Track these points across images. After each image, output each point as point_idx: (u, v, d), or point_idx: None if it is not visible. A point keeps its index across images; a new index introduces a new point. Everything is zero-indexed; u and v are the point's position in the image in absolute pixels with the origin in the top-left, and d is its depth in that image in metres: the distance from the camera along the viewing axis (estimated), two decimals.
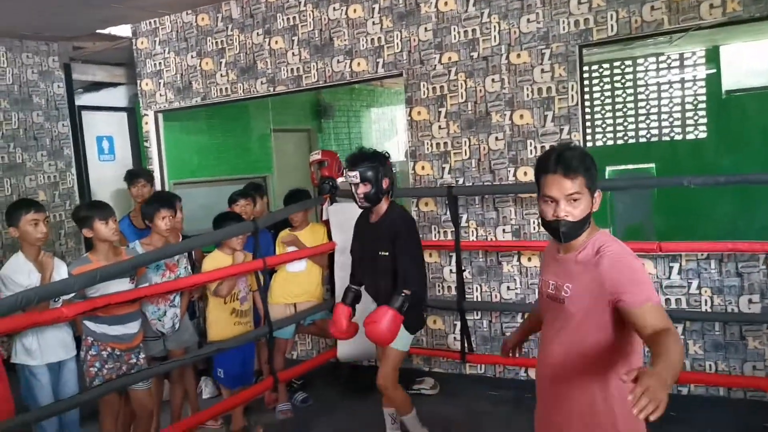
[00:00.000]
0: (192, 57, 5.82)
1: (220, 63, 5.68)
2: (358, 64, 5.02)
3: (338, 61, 5.10)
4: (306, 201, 4.82)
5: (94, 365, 3.52)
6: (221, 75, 5.68)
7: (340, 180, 4.97)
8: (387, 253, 3.47)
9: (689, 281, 4.04)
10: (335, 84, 5.28)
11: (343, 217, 4.72)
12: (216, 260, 4.11)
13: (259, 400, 4.68)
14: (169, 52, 5.94)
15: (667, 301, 4.10)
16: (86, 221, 3.46)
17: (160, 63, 6.00)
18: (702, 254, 3.98)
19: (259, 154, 7.44)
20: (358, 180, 3.46)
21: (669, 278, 4.09)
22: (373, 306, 3.58)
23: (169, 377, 4.23)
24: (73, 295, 3.39)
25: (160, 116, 6.19)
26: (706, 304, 4.01)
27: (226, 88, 5.67)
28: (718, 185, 3.84)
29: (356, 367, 5.07)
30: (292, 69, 5.32)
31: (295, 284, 4.74)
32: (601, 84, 8.12)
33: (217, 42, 5.67)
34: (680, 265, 4.06)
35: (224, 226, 4.18)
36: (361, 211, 3.74)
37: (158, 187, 6.04)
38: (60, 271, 3.60)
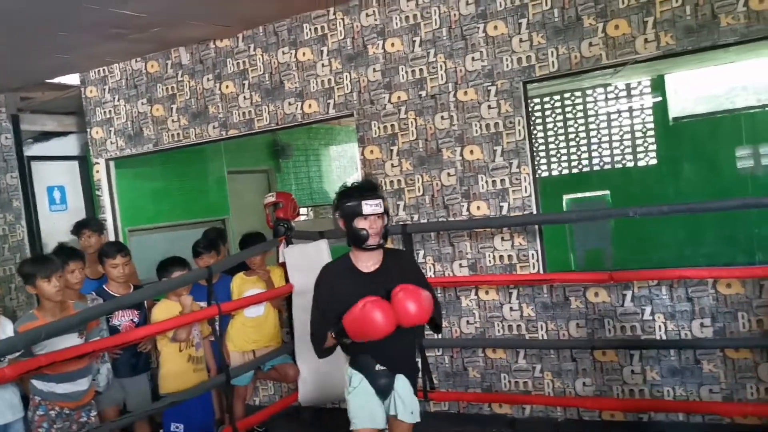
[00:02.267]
0: (142, 104, 5.78)
1: (171, 109, 5.65)
2: (309, 105, 5.05)
3: (289, 104, 5.12)
4: (263, 243, 4.79)
5: (42, 426, 3.41)
6: (173, 121, 5.65)
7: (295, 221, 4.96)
8: None
9: (642, 308, 4.09)
10: (287, 126, 5.30)
11: (300, 258, 4.70)
12: (167, 308, 4.04)
13: None
14: (119, 100, 5.89)
15: (623, 328, 4.14)
16: (29, 278, 3.38)
17: (110, 111, 5.95)
18: (653, 281, 4.04)
19: (216, 196, 7.38)
20: (381, 209, 2.92)
21: (623, 306, 4.14)
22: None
23: None
24: (20, 353, 3.28)
25: (112, 164, 6.11)
26: (660, 330, 4.06)
27: (178, 134, 5.64)
28: (662, 215, 3.93)
29: (319, 410, 4.99)
30: (243, 112, 5.32)
31: (254, 329, 4.68)
32: (554, 115, 8.30)
33: (167, 88, 5.66)
34: (632, 292, 4.11)
35: (169, 272, 4.13)
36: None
37: (111, 235, 5.94)
38: (6, 329, 3.50)
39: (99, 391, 3.89)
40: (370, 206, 2.88)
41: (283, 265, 4.80)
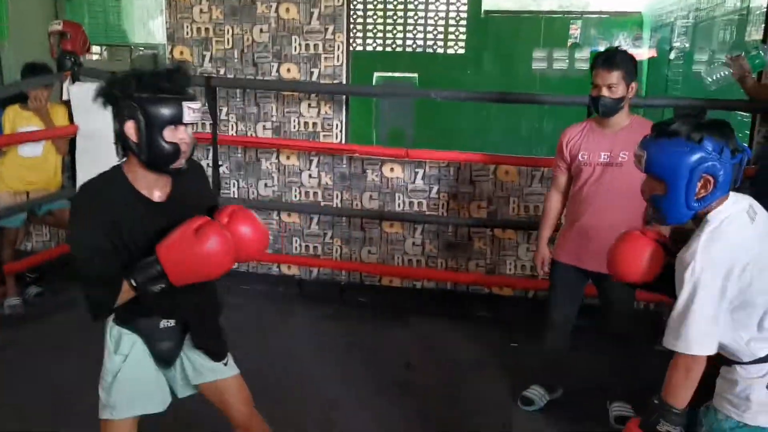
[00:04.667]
0: None
1: None
2: None
3: None
4: (44, 76, 4.28)
5: None
6: None
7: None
8: None
9: (431, 186, 4.38)
10: None
11: (88, 98, 4.28)
12: None
13: None
14: None
15: (411, 204, 4.41)
16: None
17: None
18: (444, 162, 4.31)
19: None
20: (200, 118, 2.14)
21: (414, 182, 4.38)
22: None
23: None
24: None
25: None
26: (443, 208, 4.39)
27: None
28: (459, 100, 4.14)
29: None
30: None
31: (29, 170, 4.27)
32: None
33: None
34: (424, 171, 4.36)
35: None
36: None
37: None
38: None
39: None
40: (192, 111, 1.90)
41: (67, 104, 4.37)
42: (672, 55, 6.57)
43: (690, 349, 1.79)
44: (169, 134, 1.87)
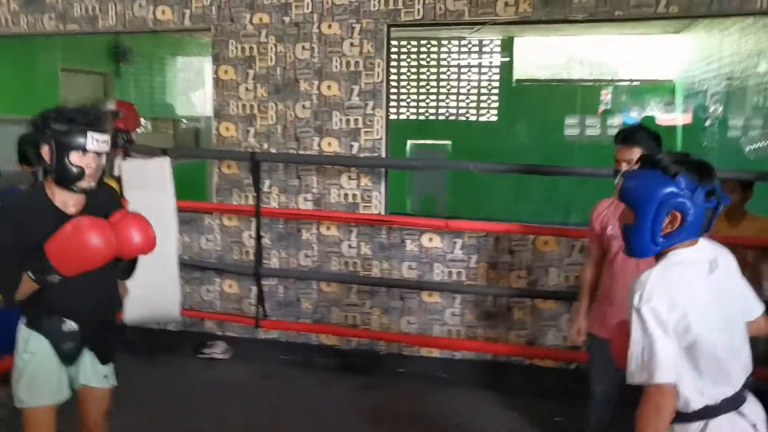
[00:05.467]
0: None
1: None
2: (163, 12, 4.71)
3: (140, 6, 4.74)
4: None
5: None
6: (0, 3, 5.02)
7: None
8: None
9: (470, 256, 4.41)
10: (136, 31, 4.93)
11: (138, 174, 4.46)
12: None
13: None
14: None
15: (449, 273, 4.44)
16: None
17: None
18: (482, 232, 4.36)
19: (45, 94, 6.71)
20: (107, 147, 2.39)
21: (452, 252, 4.42)
22: None
23: None
24: None
25: None
26: (482, 277, 4.40)
27: (7, 20, 5.02)
28: (497, 173, 4.22)
29: (145, 331, 4.87)
30: (86, 7, 4.85)
31: None
32: (408, 60, 8.44)
33: None
34: (463, 241, 4.40)
35: None
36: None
37: None
38: None
39: None
40: (95, 142, 2.30)
41: (119, 180, 4.55)
42: (707, 122, 6.60)
43: (652, 378, 1.74)
44: (76, 158, 2.29)
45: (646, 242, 1.79)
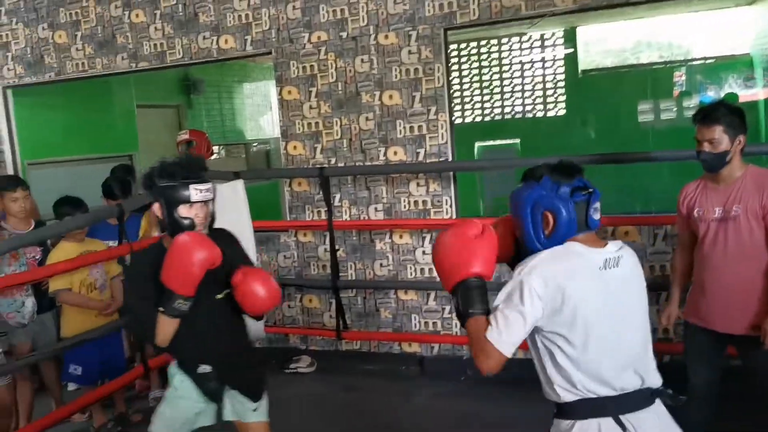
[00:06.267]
0: (43, 29, 5.40)
1: (76, 36, 5.31)
2: (225, 41, 4.88)
3: (204, 38, 4.93)
4: None
5: None
6: (77, 49, 5.33)
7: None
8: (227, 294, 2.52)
9: None
10: (202, 61, 5.12)
11: (215, 198, 4.62)
12: (65, 253, 3.85)
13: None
14: (17, 23, 5.48)
15: None
16: None
17: (7, 34, 5.53)
18: None
19: (124, 131, 7.07)
20: (211, 195, 2.45)
21: None
22: None
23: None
24: None
25: (9, 92, 5.72)
26: None
27: (83, 63, 5.33)
28: None
29: None
30: (155, 44, 5.08)
31: None
32: (469, 62, 8.39)
33: (70, 13, 5.30)
34: None
35: (63, 213, 3.97)
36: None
37: (9, 168, 5.61)
38: None
39: (24, 324, 3.86)
40: (198, 192, 2.38)
41: None
42: None
43: (495, 339, 1.75)
44: (184, 211, 2.37)
45: (534, 246, 1.87)
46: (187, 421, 2.59)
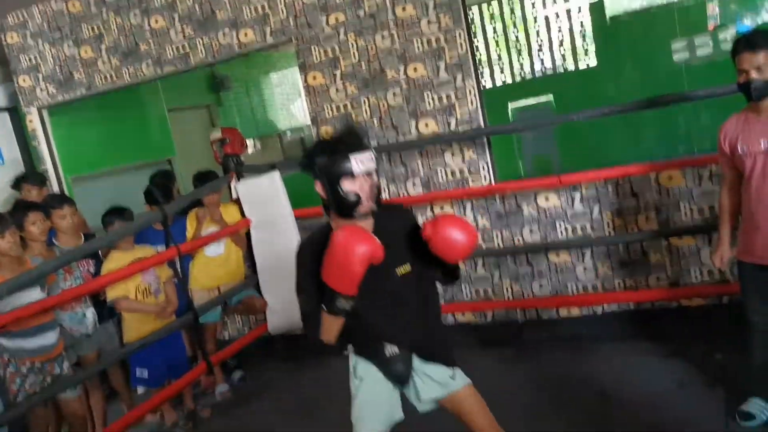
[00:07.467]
0: (68, 46, 5.51)
1: (100, 49, 5.41)
2: (245, 34, 4.90)
3: (224, 34, 4.95)
4: (213, 181, 4.73)
5: (15, 382, 3.41)
6: (103, 62, 5.42)
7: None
8: (409, 268, 2.33)
9: (591, 207, 4.25)
10: (225, 58, 5.15)
11: (253, 192, 4.68)
12: (117, 261, 3.98)
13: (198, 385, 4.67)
14: (43, 44, 5.60)
15: (573, 230, 4.30)
16: None
17: (35, 57, 5.66)
18: (600, 181, 4.18)
19: (159, 136, 7.19)
20: (374, 165, 2.24)
21: (572, 207, 4.28)
22: None
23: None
24: None
25: (45, 112, 5.88)
26: (608, 227, 4.23)
27: (111, 75, 5.42)
28: (603, 116, 4.03)
29: (290, 338, 5.10)
30: (177, 47, 5.13)
31: (217, 267, 4.69)
32: (493, 23, 8.24)
33: (92, 27, 5.39)
34: (581, 193, 4.25)
35: (109, 223, 4.10)
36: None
37: (54, 185, 5.78)
38: None
39: (88, 334, 4.00)
40: (360, 162, 2.18)
41: (237, 201, 4.79)
42: None
43: None
44: (347, 185, 2.19)
45: None
46: (390, 405, 2.39)
